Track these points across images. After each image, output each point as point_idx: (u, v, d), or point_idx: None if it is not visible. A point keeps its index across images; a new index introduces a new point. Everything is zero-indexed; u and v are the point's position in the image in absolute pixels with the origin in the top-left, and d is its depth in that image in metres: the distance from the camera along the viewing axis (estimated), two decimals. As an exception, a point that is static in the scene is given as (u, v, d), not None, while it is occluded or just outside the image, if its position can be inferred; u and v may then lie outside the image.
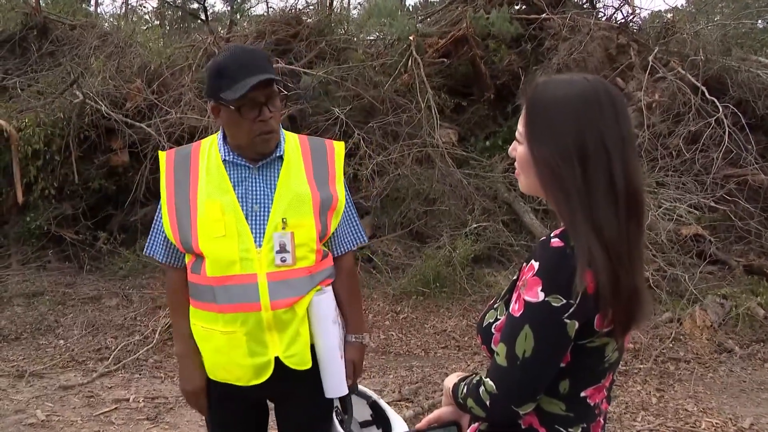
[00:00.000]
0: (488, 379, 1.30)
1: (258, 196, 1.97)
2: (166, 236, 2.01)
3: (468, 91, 8.40)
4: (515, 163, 1.40)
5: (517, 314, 1.26)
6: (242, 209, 1.94)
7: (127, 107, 6.93)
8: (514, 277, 1.38)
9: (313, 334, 1.99)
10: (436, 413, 1.54)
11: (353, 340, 2.15)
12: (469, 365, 4.85)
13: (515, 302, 1.28)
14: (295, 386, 2.04)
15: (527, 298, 1.24)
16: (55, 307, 5.85)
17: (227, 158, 1.99)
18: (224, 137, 2.01)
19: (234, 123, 1.93)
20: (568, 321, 1.23)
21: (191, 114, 6.80)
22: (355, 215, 2.16)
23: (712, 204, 6.01)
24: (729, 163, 6.26)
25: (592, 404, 1.36)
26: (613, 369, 1.39)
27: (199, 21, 17.22)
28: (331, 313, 2.01)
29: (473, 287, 6.21)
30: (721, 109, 6.21)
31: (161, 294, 5.99)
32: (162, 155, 2.07)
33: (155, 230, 2.07)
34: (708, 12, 9.60)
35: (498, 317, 1.37)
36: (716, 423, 3.86)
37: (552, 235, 1.28)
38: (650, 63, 6.63)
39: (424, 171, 7.05)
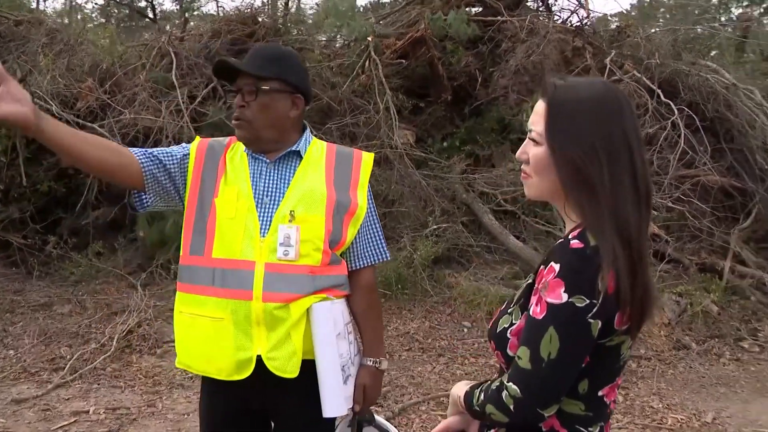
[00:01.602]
0: (511, 384, 1.29)
1: (270, 189, 1.98)
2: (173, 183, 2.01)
3: (425, 92, 8.41)
4: (525, 167, 1.40)
5: (540, 316, 1.26)
6: (254, 199, 1.95)
7: (78, 107, 6.71)
8: (528, 281, 1.38)
9: (313, 345, 1.93)
10: (443, 424, 1.52)
11: (369, 363, 2.07)
12: (434, 367, 4.84)
13: (536, 305, 1.28)
14: (285, 398, 1.97)
15: (550, 300, 1.25)
16: (3, 315, 5.61)
17: (248, 151, 2.03)
18: None
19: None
20: (592, 321, 1.24)
21: (145, 114, 6.63)
22: (378, 229, 2.10)
23: (670, 204, 6.14)
24: (683, 164, 6.40)
25: (608, 402, 1.38)
26: (625, 367, 1.40)
27: (147, 19, 16.90)
28: (336, 326, 1.93)
29: (434, 288, 6.22)
30: (676, 112, 6.35)
31: (116, 299, 5.83)
32: (197, 138, 2.12)
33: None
34: (650, 17, 9.83)
35: (513, 322, 1.37)
36: (681, 419, 3.96)
37: (570, 237, 1.29)
38: (607, 66, 6.73)
39: (383, 172, 7.02)
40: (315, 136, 2.14)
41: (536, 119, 1.37)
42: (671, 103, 6.45)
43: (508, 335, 1.36)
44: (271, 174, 1.99)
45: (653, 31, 8.38)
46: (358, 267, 2.06)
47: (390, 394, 4.32)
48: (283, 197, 1.95)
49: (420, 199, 7.01)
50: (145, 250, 6.63)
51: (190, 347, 1.99)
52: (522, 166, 1.41)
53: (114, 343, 4.89)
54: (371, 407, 2.11)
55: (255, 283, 1.88)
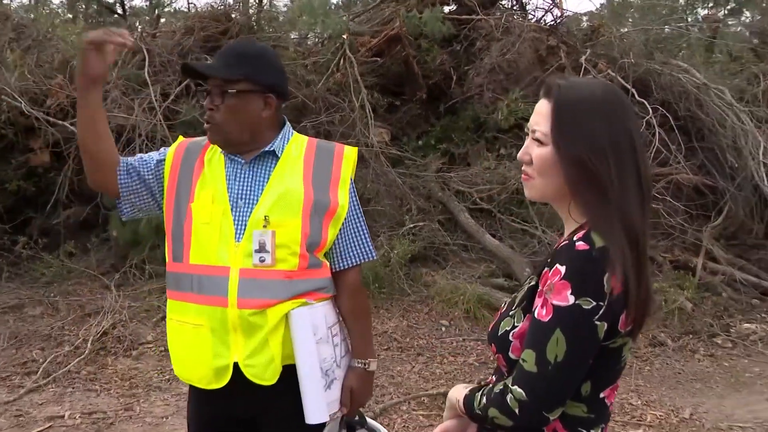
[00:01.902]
0: (516, 387, 1.28)
1: (244, 192, 1.92)
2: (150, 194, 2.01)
3: (400, 90, 8.40)
4: (527, 168, 1.39)
5: (546, 319, 1.26)
6: (230, 202, 1.90)
7: (48, 104, 6.57)
8: (531, 284, 1.37)
9: (293, 350, 1.89)
10: (440, 428, 1.51)
11: (357, 365, 2.02)
12: (413, 366, 4.84)
13: (541, 307, 1.27)
14: (267, 405, 1.94)
15: (556, 303, 1.25)
16: (-28, 318, 5.48)
17: (224, 151, 1.98)
18: None
19: None
20: (598, 323, 1.24)
21: (118, 112, 6.51)
22: (363, 228, 2.04)
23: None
24: (657, 163, 6.48)
25: (608, 404, 1.38)
26: (624, 368, 1.41)
27: (116, 15, 16.62)
28: (317, 331, 1.89)
29: (412, 287, 6.21)
30: (650, 111, 6.43)
31: (90, 300, 5.73)
32: (180, 138, 2.07)
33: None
34: (621, 16, 9.93)
35: (516, 324, 1.36)
36: (660, 415, 4.01)
37: (575, 238, 1.29)
38: (583, 64, 6.79)
39: (359, 171, 6.98)
40: None
41: (540, 119, 1.36)
42: (646, 102, 6.52)
43: (511, 338, 1.36)
44: (247, 176, 1.93)
45: (624, 30, 8.46)
46: (342, 267, 2.02)
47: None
48: (257, 200, 1.90)
49: (396, 197, 7.01)
50: (118, 249, 6.52)
51: (177, 354, 1.98)
52: (523, 167, 1.40)
53: (88, 345, 4.81)
54: (361, 409, 2.09)
55: (230, 290, 1.84)
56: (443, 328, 5.54)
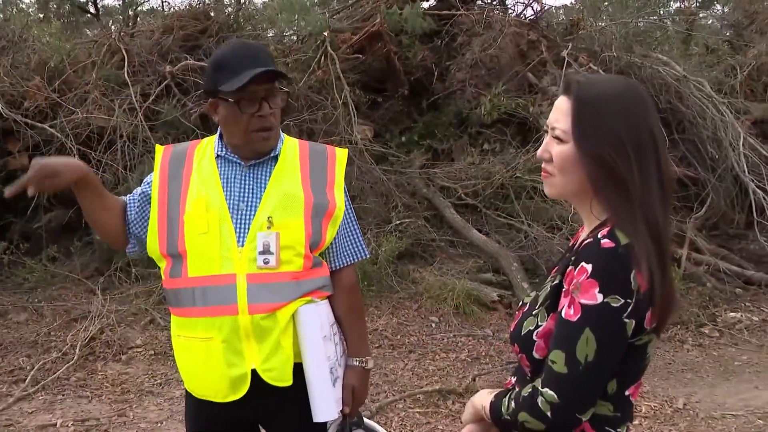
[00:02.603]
0: (546, 389, 1.27)
1: (246, 195, 1.89)
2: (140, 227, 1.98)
3: (382, 87, 8.38)
4: (547, 165, 1.38)
5: (574, 318, 1.24)
6: (228, 206, 1.86)
7: (26, 107, 6.45)
8: (554, 282, 1.36)
9: (300, 348, 1.87)
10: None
11: (354, 363, 2.02)
12: (406, 364, 4.83)
13: (568, 307, 1.26)
14: (278, 406, 1.92)
15: (584, 301, 1.23)
16: (-46, 326, 5.37)
17: (220, 154, 1.92)
18: (221, 135, 1.95)
19: (232, 118, 1.86)
20: (627, 321, 1.24)
21: (98, 113, 6.42)
22: (356, 227, 2.06)
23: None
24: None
25: (632, 402, 1.38)
26: (647, 365, 1.40)
27: (88, 15, 16.40)
28: (322, 328, 1.88)
29: (400, 284, 6.21)
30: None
31: (75, 305, 5.64)
32: (159, 149, 1.99)
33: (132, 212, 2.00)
34: (598, 9, 10.00)
35: (539, 324, 1.35)
36: (654, 406, 4.05)
37: (599, 236, 1.28)
38: (565, 58, 6.82)
39: (343, 168, 6.96)
40: None
41: (560, 117, 1.35)
42: (627, 96, 6.56)
43: (535, 338, 1.34)
44: (247, 178, 1.90)
45: (603, 25, 8.52)
46: (338, 267, 2.02)
47: (366, 393, 4.29)
48: (259, 203, 1.87)
49: (381, 194, 6.99)
50: (102, 253, 6.42)
51: (189, 371, 1.94)
52: (543, 165, 1.39)
53: (76, 351, 4.73)
54: (359, 408, 2.09)
55: (239, 296, 1.81)
56: (433, 325, 5.55)
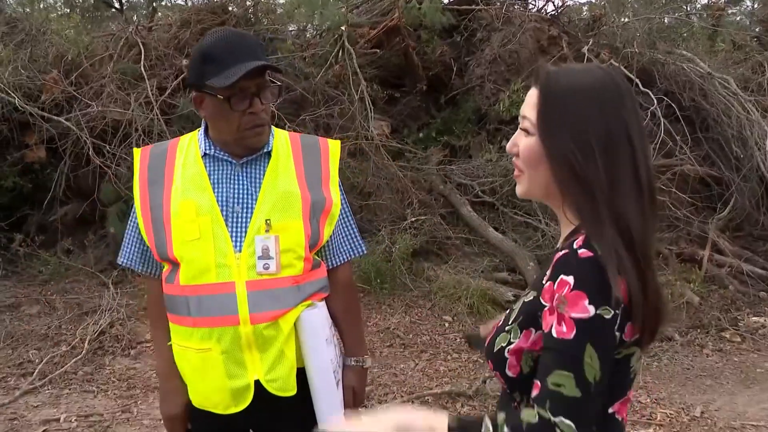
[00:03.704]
0: (561, 418, 1.10)
1: (240, 196, 1.77)
2: (142, 242, 1.83)
3: (400, 82, 8.29)
4: (516, 160, 1.28)
5: (570, 336, 1.12)
6: (221, 210, 1.75)
7: (42, 100, 6.45)
8: (528, 298, 1.25)
9: (303, 355, 1.78)
10: None
11: (353, 363, 1.95)
12: (417, 364, 4.75)
13: (558, 324, 1.13)
14: (281, 415, 1.83)
15: (576, 316, 1.11)
16: (-32, 318, 5.39)
17: (208, 152, 1.80)
18: (206, 131, 1.82)
19: (221, 115, 1.74)
20: (617, 333, 1.13)
21: (114, 107, 6.40)
22: (352, 223, 1.97)
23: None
24: (662, 154, 6.38)
25: (619, 419, 1.26)
26: (635, 380, 1.29)
27: (113, 9, 16.48)
28: (324, 332, 1.80)
29: (414, 282, 6.13)
30: (655, 101, 6.32)
31: (87, 299, 5.63)
32: (137, 152, 1.88)
33: (129, 236, 1.88)
34: (622, 5, 9.82)
35: (512, 341, 1.24)
36: (670, 413, 3.92)
37: (575, 246, 1.16)
38: (585, 54, 6.68)
39: (359, 164, 6.90)
40: (290, 128, 1.99)
41: (528, 108, 1.25)
42: (650, 93, 6.41)
43: (506, 354, 1.24)
44: (239, 177, 1.79)
45: (625, 20, 8.34)
46: (335, 264, 1.94)
47: (373, 394, 4.22)
48: (256, 204, 1.76)
49: (397, 191, 6.90)
50: (117, 246, 6.34)
51: (187, 381, 1.85)
52: (513, 160, 1.29)
53: (85, 345, 4.72)
54: (359, 408, 2.02)
55: (239, 306, 1.71)
56: (447, 324, 5.46)
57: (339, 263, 1.94)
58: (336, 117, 7.12)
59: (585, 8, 10.08)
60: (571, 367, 1.12)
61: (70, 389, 4.23)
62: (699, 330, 5.28)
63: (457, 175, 7.15)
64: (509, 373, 1.24)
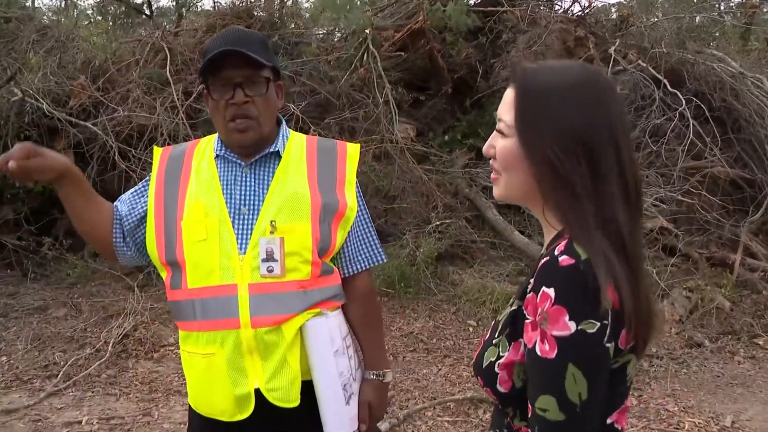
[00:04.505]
0: None
1: (247, 197, 1.74)
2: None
3: (425, 85, 8.25)
4: (493, 162, 1.22)
5: (552, 355, 1.06)
6: (228, 211, 1.72)
7: (70, 105, 6.55)
8: (512, 307, 1.19)
9: (310, 366, 1.73)
10: None
11: (372, 377, 1.88)
12: (440, 369, 4.69)
13: (542, 342, 1.07)
14: (285, 427, 1.77)
15: (557, 333, 1.05)
16: (-3, 320, 5.47)
17: (219, 153, 1.78)
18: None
19: (211, 107, 1.74)
20: (608, 345, 1.06)
21: (140, 111, 6.47)
22: (370, 229, 1.90)
23: (679, 197, 5.99)
24: (691, 156, 6.25)
25: (619, 428, 1.20)
26: (631, 388, 1.22)
27: (144, 16, 16.70)
28: (333, 343, 1.74)
29: (438, 286, 6.08)
30: (684, 102, 6.19)
31: (112, 302, 5.68)
32: (157, 152, 1.88)
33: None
34: (651, 5, 9.67)
35: (501, 354, 1.18)
36: (699, 423, 3.80)
37: (556, 252, 1.10)
38: (612, 55, 6.57)
39: (384, 167, 6.87)
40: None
41: (504, 108, 1.19)
42: (678, 93, 6.28)
43: (496, 369, 1.18)
44: (247, 178, 1.76)
45: (654, 20, 8.21)
46: (352, 273, 1.87)
47: (395, 399, 4.17)
48: (262, 205, 1.73)
49: (422, 194, 6.86)
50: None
51: (194, 388, 1.81)
52: (491, 162, 1.24)
53: (109, 348, 4.75)
54: (378, 423, 1.97)
55: (240, 308, 1.67)
56: (471, 329, 5.39)
57: (356, 271, 1.88)
58: (361, 120, 7.11)
59: (614, 9, 9.97)
60: (553, 389, 1.06)
61: (93, 392, 4.26)
62: (730, 336, 5.14)
63: (483, 178, 7.08)
64: (501, 389, 1.18)
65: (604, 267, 1.05)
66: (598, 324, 1.04)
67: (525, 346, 1.13)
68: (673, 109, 6.22)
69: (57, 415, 3.96)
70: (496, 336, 1.21)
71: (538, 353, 1.08)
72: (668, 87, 6.27)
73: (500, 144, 1.19)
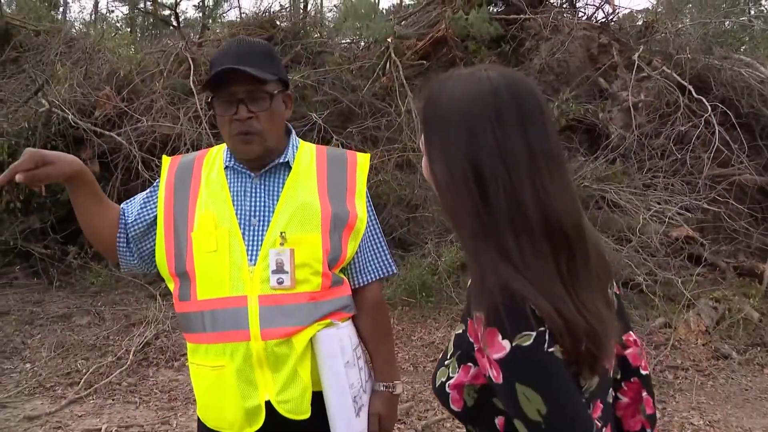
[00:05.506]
0: None
1: (257, 208, 1.72)
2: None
3: (448, 93, 8.23)
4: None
5: (501, 380, 1.01)
6: (238, 222, 1.69)
7: (96, 115, 6.65)
8: (458, 331, 1.15)
9: (320, 378, 1.70)
10: None
11: (381, 389, 1.84)
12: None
13: (491, 368, 1.03)
14: None
15: (496, 356, 1.00)
16: (22, 327, 5.54)
17: (228, 164, 1.76)
18: None
19: (218, 121, 1.72)
20: (551, 349, 1.00)
21: (163, 121, 6.54)
22: (381, 239, 1.87)
23: (705, 206, 5.88)
24: (717, 163, 6.14)
25: None
26: (601, 395, 1.16)
27: (171, 27, 16.93)
28: (344, 354, 1.71)
29: (460, 296, 6.02)
30: (709, 109, 6.09)
31: (135, 311, 5.73)
32: (166, 161, 1.85)
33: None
34: (677, 11, 9.55)
35: (451, 375, 1.14)
36: (725, 437, 3.71)
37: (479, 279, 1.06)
38: (636, 62, 6.50)
39: (406, 176, 6.86)
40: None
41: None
42: (704, 100, 6.18)
43: (447, 389, 1.14)
44: (257, 189, 1.73)
45: (680, 26, 8.10)
46: (362, 284, 1.84)
47: (413, 410, 4.14)
48: (272, 216, 1.70)
49: (444, 203, 6.83)
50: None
51: (203, 400, 1.79)
52: None
53: (131, 356, 4.79)
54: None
55: (250, 320, 1.65)
56: (492, 339, 5.33)
57: (366, 282, 1.85)
58: (383, 129, 7.11)
59: (640, 15, 9.86)
60: (516, 413, 1.02)
61: (113, 399, 4.29)
62: (759, 348, 5.02)
63: (505, 187, 7.03)
64: (454, 407, 1.14)
65: (493, 274, 1.00)
66: (534, 333, 0.99)
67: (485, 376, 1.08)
68: (699, 115, 6.12)
69: (77, 422, 3.99)
70: (447, 357, 1.17)
71: (493, 380, 1.04)
72: (693, 93, 6.17)
73: (423, 163, 1.16)
